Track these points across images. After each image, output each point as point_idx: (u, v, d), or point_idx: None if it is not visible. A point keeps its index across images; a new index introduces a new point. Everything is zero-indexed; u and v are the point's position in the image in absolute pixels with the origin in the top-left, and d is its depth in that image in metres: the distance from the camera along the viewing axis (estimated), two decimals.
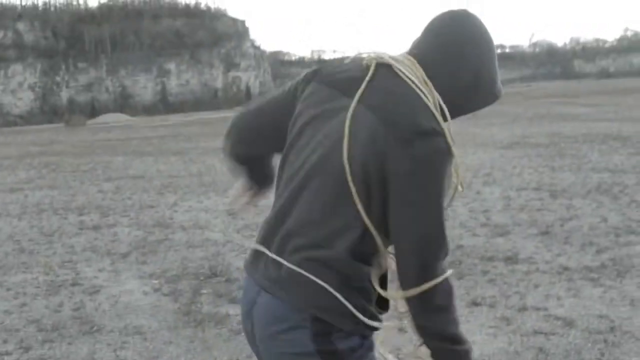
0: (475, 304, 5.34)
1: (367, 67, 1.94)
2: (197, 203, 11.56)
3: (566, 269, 6.23)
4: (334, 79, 2.00)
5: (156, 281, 6.55)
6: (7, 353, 4.84)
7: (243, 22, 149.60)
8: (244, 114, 2.38)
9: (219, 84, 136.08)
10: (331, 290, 1.84)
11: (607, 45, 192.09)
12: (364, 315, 1.89)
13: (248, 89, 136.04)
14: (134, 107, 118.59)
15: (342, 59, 2.15)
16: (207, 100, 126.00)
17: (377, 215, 1.84)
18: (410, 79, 1.88)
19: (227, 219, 9.83)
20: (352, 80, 1.93)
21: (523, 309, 5.18)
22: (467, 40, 1.95)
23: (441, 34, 1.97)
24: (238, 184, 2.45)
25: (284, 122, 2.07)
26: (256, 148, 2.32)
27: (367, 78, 1.90)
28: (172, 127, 48.51)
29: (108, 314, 5.61)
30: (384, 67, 1.93)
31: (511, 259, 6.66)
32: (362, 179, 1.81)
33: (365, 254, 1.88)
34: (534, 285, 5.78)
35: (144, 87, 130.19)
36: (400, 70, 1.89)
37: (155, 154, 23.33)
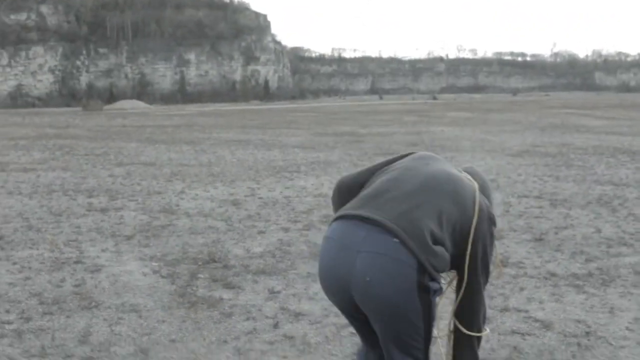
0: None
1: None
2: (203, 192, 11.79)
3: (553, 275, 6.40)
4: None
5: (156, 264, 6.78)
6: (9, 322, 5.07)
7: (265, 16, 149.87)
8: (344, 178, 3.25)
9: (237, 76, 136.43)
10: None
11: (629, 59, 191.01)
12: None
13: (266, 83, 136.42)
14: (152, 95, 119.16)
15: None
16: (225, 92, 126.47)
17: None
18: None
19: (232, 208, 10.06)
20: None
21: (505, 309, 5.36)
22: None
23: None
24: None
25: None
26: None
27: None
28: (187, 116, 48.83)
29: (107, 292, 5.84)
30: None
31: (502, 262, 6.83)
32: None
33: None
34: (519, 288, 5.96)
35: (162, 75, 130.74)
36: None
37: (168, 142, 23.62)
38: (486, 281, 3.04)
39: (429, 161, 3.05)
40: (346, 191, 3.07)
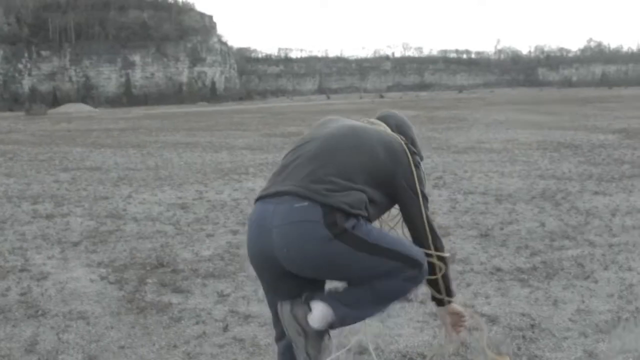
0: (407, 300, 5.60)
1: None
2: (151, 196, 11.70)
3: (499, 270, 6.52)
4: None
5: (104, 270, 6.71)
6: None
7: (211, 17, 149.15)
8: None
9: (184, 78, 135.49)
10: None
11: (570, 54, 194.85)
12: None
13: (213, 84, 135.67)
14: (97, 98, 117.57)
15: None
16: (172, 94, 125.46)
17: None
18: None
19: (180, 212, 10.01)
20: None
21: None
22: None
23: None
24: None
25: None
26: None
27: None
28: (134, 119, 48.32)
29: (54, 299, 5.77)
30: None
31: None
32: None
33: None
34: (466, 284, 6.06)
35: (107, 78, 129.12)
36: None
37: (114, 146, 23.35)
38: (427, 207, 3.12)
39: (328, 124, 3.21)
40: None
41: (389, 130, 3.20)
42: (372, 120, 3.39)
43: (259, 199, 2.95)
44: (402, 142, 3.10)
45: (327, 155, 2.91)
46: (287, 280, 2.95)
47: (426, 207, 3.12)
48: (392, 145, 3.04)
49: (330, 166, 2.86)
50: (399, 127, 3.36)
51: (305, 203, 2.75)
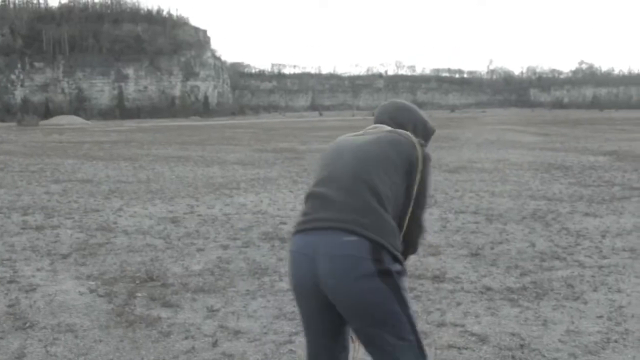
0: None
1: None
2: (142, 209, 11.67)
3: (489, 289, 6.53)
4: None
5: (93, 282, 6.69)
6: None
7: (205, 31, 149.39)
8: None
9: (177, 92, 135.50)
10: None
11: (562, 76, 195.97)
12: None
13: (206, 98, 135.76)
14: (89, 110, 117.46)
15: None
16: (164, 108, 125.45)
17: None
18: None
19: (170, 225, 9.99)
20: None
21: (442, 324, 5.44)
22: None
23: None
24: None
25: None
26: None
27: None
28: (126, 132, 48.27)
29: (42, 312, 5.74)
30: None
31: (439, 278, 6.94)
32: None
33: None
34: (456, 303, 6.06)
35: (100, 90, 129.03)
36: None
37: (106, 158, 23.32)
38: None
39: (346, 145, 3.20)
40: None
41: (395, 134, 3.16)
42: (374, 126, 3.35)
43: (301, 231, 2.97)
44: (414, 143, 3.12)
45: (359, 183, 2.94)
46: (326, 314, 2.97)
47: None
48: (408, 153, 3.07)
49: (365, 193, 2.90)
50: (395, 120, 3.37)
51: (354, 238, 2.80)
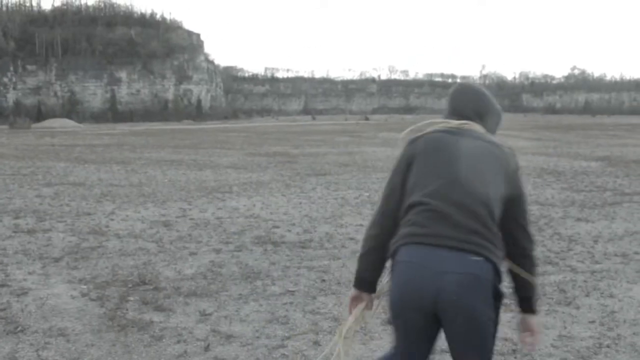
0: (389, 322, 5.58)
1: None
2: (134, 213, 11.65)
3: None
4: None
5: (85, 286, 6.66)
6: None
7: (198, 35, 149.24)
8: None
9: (169, 95, 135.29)
10: None
11: (554, 81, 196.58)
12: None
13: (199, 102, 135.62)
14: (82, 114, 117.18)
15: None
16: (157, 111, 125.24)
17: None
18: None
19: (163, 229, 9.97)
20: None
21: None
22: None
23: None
24: None
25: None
26: None
27: None
28: (118, 136, 48.20)
29: (34, 316, 5.72)
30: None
31: None
32: None
33: None
34: None
35: (93, 93, 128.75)
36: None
37: (98, 161, 23.27)
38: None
39: (449, 149, 3.07)
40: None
41: (496, 147, 3.07)
42: (466, 123, 3.15)
43: (419, 243, 2.90)
44: (514, 154, 3.14)
45: (478, 204, 2.89)
46: (431, 328, 2.96)
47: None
48: (513, 169, 3.07)
49: (485, 216, 2.88)
50: (479, 114, 3.22)
51: (480, 258, 2.79)
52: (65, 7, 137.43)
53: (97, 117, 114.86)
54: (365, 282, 3.21)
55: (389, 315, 3.02)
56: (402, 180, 3.09)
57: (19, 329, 5.37)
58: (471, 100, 3.24)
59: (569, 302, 6.24)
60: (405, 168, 3.11)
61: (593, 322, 5.64)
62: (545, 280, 7.11)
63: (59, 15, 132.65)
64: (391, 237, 3.04)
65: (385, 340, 5.18)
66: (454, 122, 3.16)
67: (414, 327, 2.98)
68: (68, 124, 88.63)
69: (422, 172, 3.04)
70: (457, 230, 2.85)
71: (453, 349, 2.95)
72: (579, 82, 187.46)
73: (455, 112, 3.24)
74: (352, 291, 3.24)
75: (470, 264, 2.78)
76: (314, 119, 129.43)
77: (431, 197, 2.95)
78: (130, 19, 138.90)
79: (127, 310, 5.89)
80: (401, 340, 3.08)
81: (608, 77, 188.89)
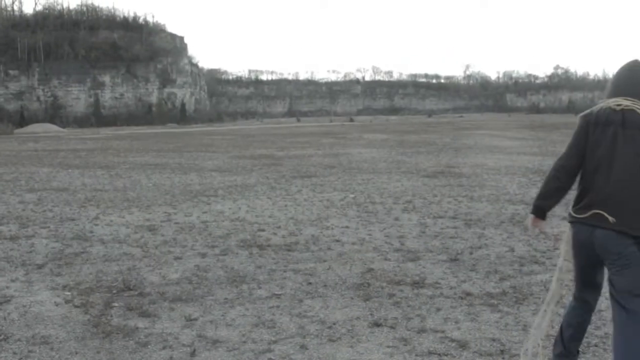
0: (377, 324, 5.56)
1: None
2: (118, 217, 11.56)
3: (469, 294, 6.51)
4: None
5: (69, 293, 6.59)
6: None
7: (182, 38, 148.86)
8: None
9: (153, 99, 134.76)
10: None
11: (538, 81, 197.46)
12: None
13: (183, 105, 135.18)
14: (65, 118, 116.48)
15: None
16: (141, 115, 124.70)
17: None
18: None
19: (147, 234, 9.89)
20: None
21: (422, 330, 5.42)
22: None
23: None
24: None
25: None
26: None
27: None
28: (102, 140, 47.97)
29: (17, 324, 5.64)
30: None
31: (418, 284, 6.92)
32: None
33: None
34: (436, 308, 6.04)
35: (76, 98, 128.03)
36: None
37: (82, 166, 23.12)
38: None
39: (614, 155, 4.02)
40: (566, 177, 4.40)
41: None
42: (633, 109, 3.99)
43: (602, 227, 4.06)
44: None
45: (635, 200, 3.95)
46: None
47: None
48: None
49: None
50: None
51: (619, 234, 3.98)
52: (47, 11, 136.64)
53: (81, 122, 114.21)
54: (542, 211, 4.52)
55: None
56: (580, 145, 4.20)
57: (1, 337, 5.29)
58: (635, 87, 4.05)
59: (556, 302, 6.22)
60: (584, 135, 4.18)
61: None
62: (532, 279, 7.11)
63: (40, 20, 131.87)
64: (568, 186, 4.38)
65: (372, 343, 5.15)
66: (623, 102, 4.02)
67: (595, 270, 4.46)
68: (51, 128, 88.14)
69: (593, 160, 4.13)
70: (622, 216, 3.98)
71: None
72: (562, 82, 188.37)
73: (626, 94, 4.05)
74: (530, 217, 4.61)
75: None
76: (298, 120, 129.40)
77: (600, 186, 4.09)
78: (113, 22, 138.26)
79: (111, 316, 5.83)
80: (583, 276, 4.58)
81: (591, 76, 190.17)
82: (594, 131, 4.12)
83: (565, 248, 4.63)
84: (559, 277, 4.73)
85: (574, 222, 4.33)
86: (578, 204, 4.33)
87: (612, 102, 4.06)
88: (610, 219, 3.99)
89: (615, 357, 4.07)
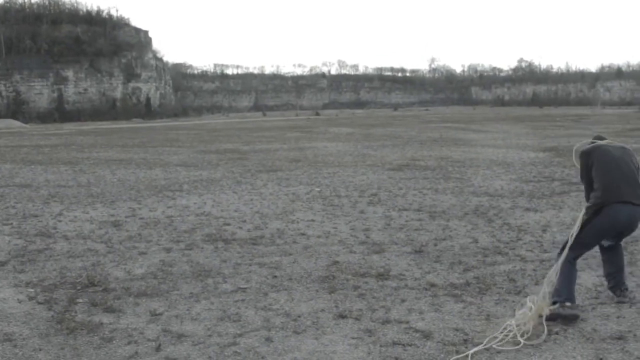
0: (342, 316, 5.60)
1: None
2: (82, 213, 11.47)
3: (433, 285, 6.58)
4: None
5: (32, 290, 6.54)
6: None
7: (146, 32, 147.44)
8: None
9: (118, 94, 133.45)
10: None
11: (502, 74, 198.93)
12: None
13: (148, 100, 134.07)
14: (28, 114, 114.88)
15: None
16: (105, 110, 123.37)
17: None
18: None
19: (112, 229, 9.83)
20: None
21: (386, 321, 5.46)
22: None
23: None
24: None
25: None
26: None
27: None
28: (66, 136, 47.44)
29: None
30: None
31: (383, 275, 6.97)
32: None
33: None
34: (400, 300, 6.09)
35: (39, 93, 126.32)
36: None
37: (45, 162, 22.85)
38: None
39: (614, 158, 5.93)
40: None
41: (627, 150, 6.13)
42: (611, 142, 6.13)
43: (629, 202, 5.73)
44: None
45: (633, 175, 5.88)
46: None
47: None
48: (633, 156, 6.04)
49: (635, 182, 5.87)
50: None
51: None
52: (8, 4, 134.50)
53: (44, 117, 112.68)
54: None
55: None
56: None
57: None
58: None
59: (519, 291, 6.33)
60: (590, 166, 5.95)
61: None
62: (495, 270, 7.21)
63: (1, 14, 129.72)
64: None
65: (337, 334, 5.18)
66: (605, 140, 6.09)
67: (614, 237, 6.00)
68: (14, 124, 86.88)
69: (606, 170, 5.86)
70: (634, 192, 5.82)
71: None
72: (527, 75, 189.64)
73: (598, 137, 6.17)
74: None
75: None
76: (264, 115, 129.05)
77: (617, 181, 5.82)
78: (76, 16, 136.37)
79: (75, 312, 5.80)
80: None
81: (554, 69, 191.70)
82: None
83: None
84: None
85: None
86: None
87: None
88: None
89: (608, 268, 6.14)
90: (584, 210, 5.88)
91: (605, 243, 6.07)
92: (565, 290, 5.71)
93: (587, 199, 5.99)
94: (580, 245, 5.80)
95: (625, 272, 6.23)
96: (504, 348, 4.87)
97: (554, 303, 5.56)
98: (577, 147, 6.32)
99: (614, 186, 5.74)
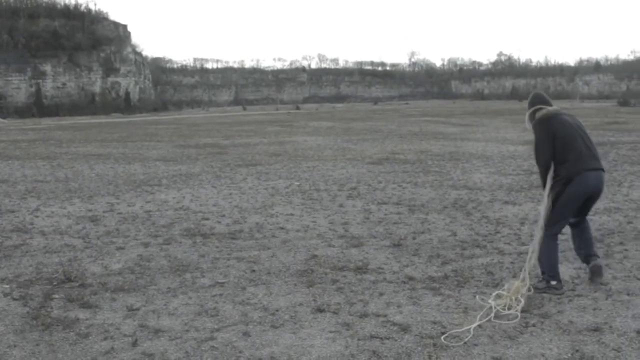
0: (320, 310, 5.59)
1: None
2: (60, 209, 11.38)
3: (411, 278, 6.59)
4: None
5: (7, 286, 6.48)
6: None
7: (125, 26, 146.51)
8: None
9: (97, 88, 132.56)
10: None
11: (482, 68, 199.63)
12: None
13: (127, 95, 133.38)
14: (5, 109, 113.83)
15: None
16: (84, 105, 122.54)
17: None
18: None
19: (89, 224, 9.76)
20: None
21: (364, 315, 5.46)
22: None
23: None
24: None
25: None
26: None
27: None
28: (44, 130, 47.07)
29: None
30: None
31: (361, 269, 6.97)
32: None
33: None
34: (378, 293, 6.09)
35: (17, 88, 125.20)
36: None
37: (22, 157, 22.65)
38: None
39: (572, 126, 6.29)
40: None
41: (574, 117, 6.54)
42: (554, 108, 6.47)
43: (595, 169, 6.17)
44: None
45: (590, 144, 6.28)
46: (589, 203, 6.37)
47: None
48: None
49: (593, 149, 6.28)
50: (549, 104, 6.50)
51: (604, 172, 6.33)
52: None
53: (22, 112, 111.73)
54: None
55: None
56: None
57: None
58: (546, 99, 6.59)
59: (497, 284, 6.35)
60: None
61: (519, 302, 5.72)
62: (473, 263, 7.23)
63: None
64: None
65: (315, 328, 5.17)
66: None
67: (581, 205, 6.29)
68: None
69: (568, 138, 6.19)
70: (595, 158, 6.23)
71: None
72: (506, 68, 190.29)
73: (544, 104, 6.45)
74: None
75: (604, 175, 6.35)
76: (244, 109, 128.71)
77: (580, 147, 6.18)
78: (53, 10, 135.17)
79: (51, 308, 5.75)
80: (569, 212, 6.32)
81: (534, 63, 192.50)
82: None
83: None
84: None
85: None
86: None
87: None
88: None
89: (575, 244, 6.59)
90: (549, 184, 6.37)
91: (572, 219, 6.41)
92: (549, 268, 6.11)
93: (546, 170, 6.40)
94: (558, 218, 6.21)
95: (594, 243, 6.71)
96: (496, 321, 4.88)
97: (542, 281, 6.14)
98: (529, 113, 6.58)
99: (582, 156, 6.11)
